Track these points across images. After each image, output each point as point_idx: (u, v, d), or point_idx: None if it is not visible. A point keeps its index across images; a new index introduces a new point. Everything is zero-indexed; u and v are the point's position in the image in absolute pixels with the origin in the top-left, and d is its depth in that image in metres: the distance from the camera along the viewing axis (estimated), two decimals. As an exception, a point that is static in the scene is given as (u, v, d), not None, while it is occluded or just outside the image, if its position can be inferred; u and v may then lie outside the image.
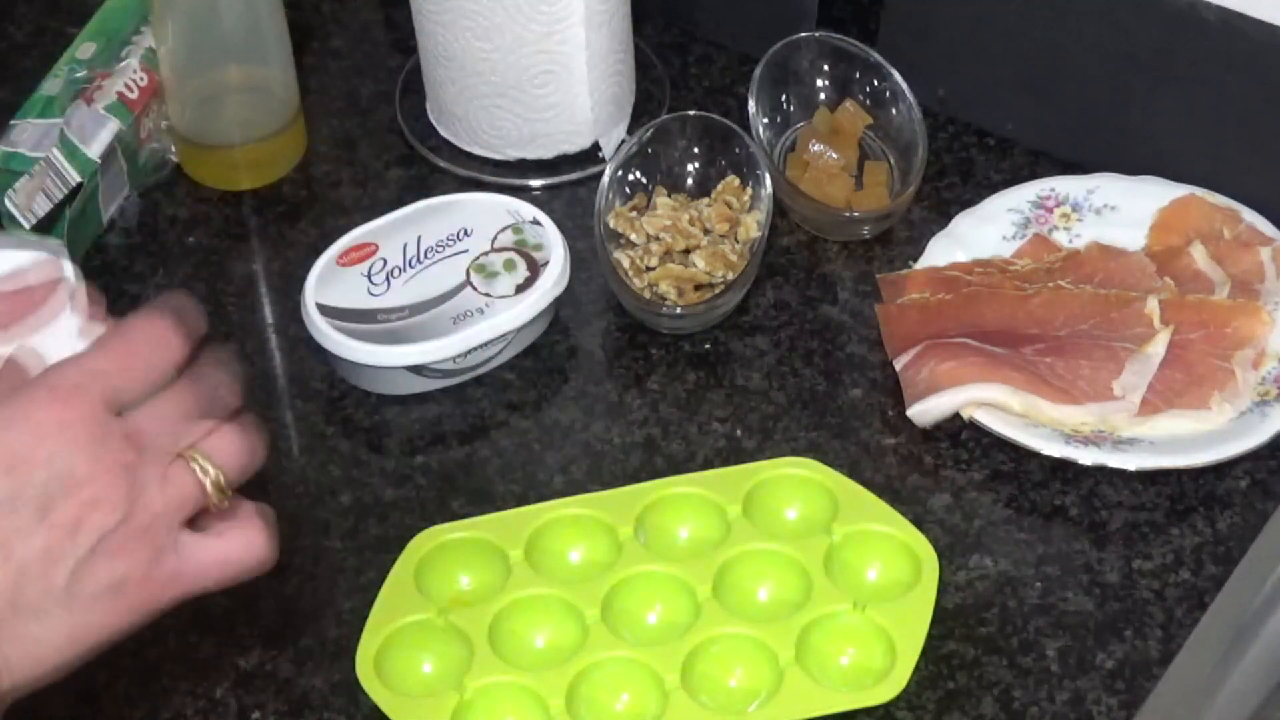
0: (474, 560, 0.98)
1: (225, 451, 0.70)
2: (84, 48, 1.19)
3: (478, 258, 1.08)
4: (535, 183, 1.20)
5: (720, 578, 0.96)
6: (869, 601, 0.94)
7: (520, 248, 1.09)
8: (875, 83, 1.18)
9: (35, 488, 0.66)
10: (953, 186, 1.19)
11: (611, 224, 1.11)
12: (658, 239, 1.10)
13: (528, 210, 1.11)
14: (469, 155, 1.21)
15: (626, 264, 1.10)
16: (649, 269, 1.10)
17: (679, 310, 1.09)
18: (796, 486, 1.01)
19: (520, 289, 1.07)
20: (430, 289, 1.07)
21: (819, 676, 0.92)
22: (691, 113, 1.15)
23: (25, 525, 0.65)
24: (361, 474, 1.04)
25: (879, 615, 0.94)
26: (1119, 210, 1.14)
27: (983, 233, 1.13)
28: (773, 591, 0.97)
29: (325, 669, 0.94)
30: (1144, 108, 1.15)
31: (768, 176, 1.11)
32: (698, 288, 1.10)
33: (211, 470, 0.69)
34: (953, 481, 1.03)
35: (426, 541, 0.98)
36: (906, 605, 0.94)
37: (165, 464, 0.68)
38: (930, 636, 0.95)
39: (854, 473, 1.02)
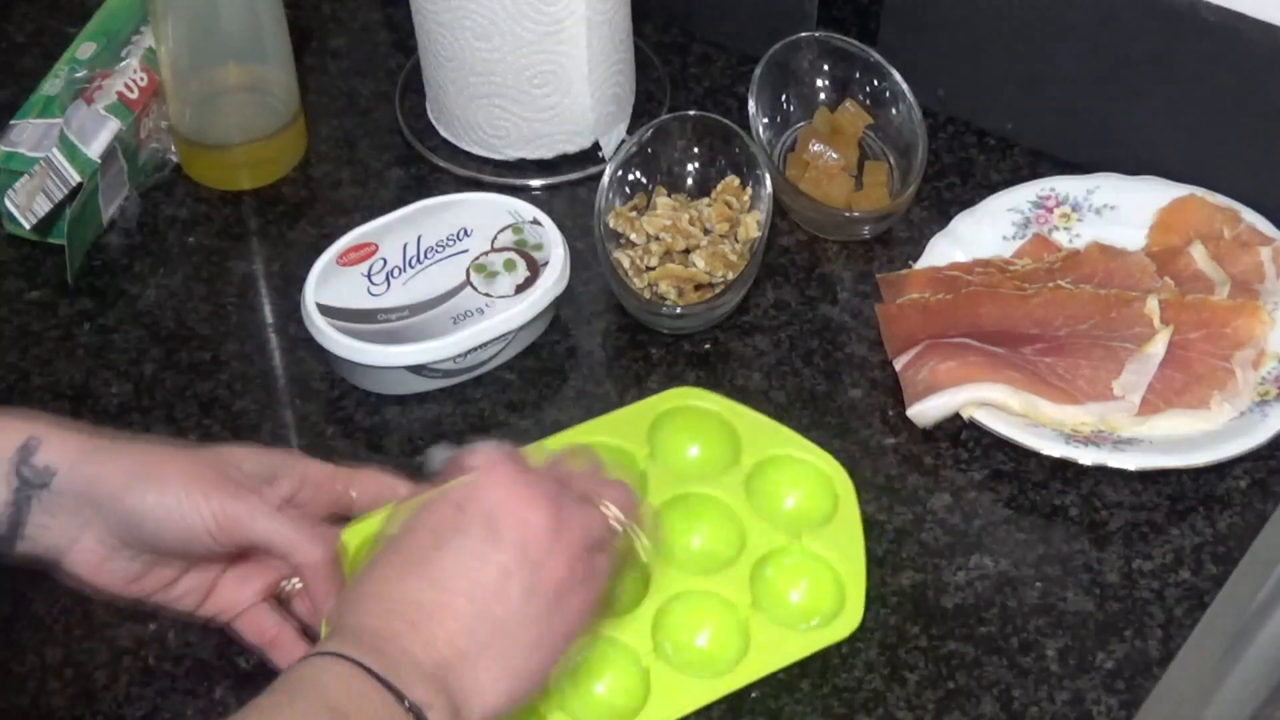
0: None
1: (620, 501, 0.87)
2: (84, 48, 1.19)
3: (478, 258, 1.08)
4: (535, 183, 1.20)
5: (656, 533, 0.95)
6: (801, 530, 0.96)
7: (520, 248, 1.09)
8: (875, 83, 1.18)
9: (481, 518, 0.81)
10: (953, 186, 1.19)
11: (611, 224, 1.11)
12: (658, 239, 1.11)
13: (528, 210, 1.11)
14: (469, 155, 1.21)
15: (626, 264, 1.10)
16: (649, 269, 1.10)
17: (679, 310, 1.09)
18: (694, 419, 1.01)
19: (520, 289, 1.07)
20: (430, 289, 1.07)
21: (779, 619, 0.93)
22: (691, 113, 1.15)
23: (479, 550, 0.80)
24: (361, 474, 1.04)
25: (816, 545, 0.95)
26: (1119, 210, 1.14)
27: (983, 233, 1.13)
28: (708, 537, 0.97)
29: (325, 669, 0.94)
30: (1144, 108, 1.15)
31: (768, 176, 1.11)
32: (698, 288, 1.10)
33: (615, 511, 0.86)
34: (953, 481, 1.03)
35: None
36: (838, 531, 0.96)
37: (581, 503, 0.85)
38: (930, 636, 0.95)
39: (854, 473, 1.02)
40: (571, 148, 1.20)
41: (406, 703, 0.75)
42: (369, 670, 0.76)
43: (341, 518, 0.92)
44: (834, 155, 1.16)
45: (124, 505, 0.84)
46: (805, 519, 0.98)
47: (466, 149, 1.21)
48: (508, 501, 0.82)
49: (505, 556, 0.80)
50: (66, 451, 0.85)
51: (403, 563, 0.81)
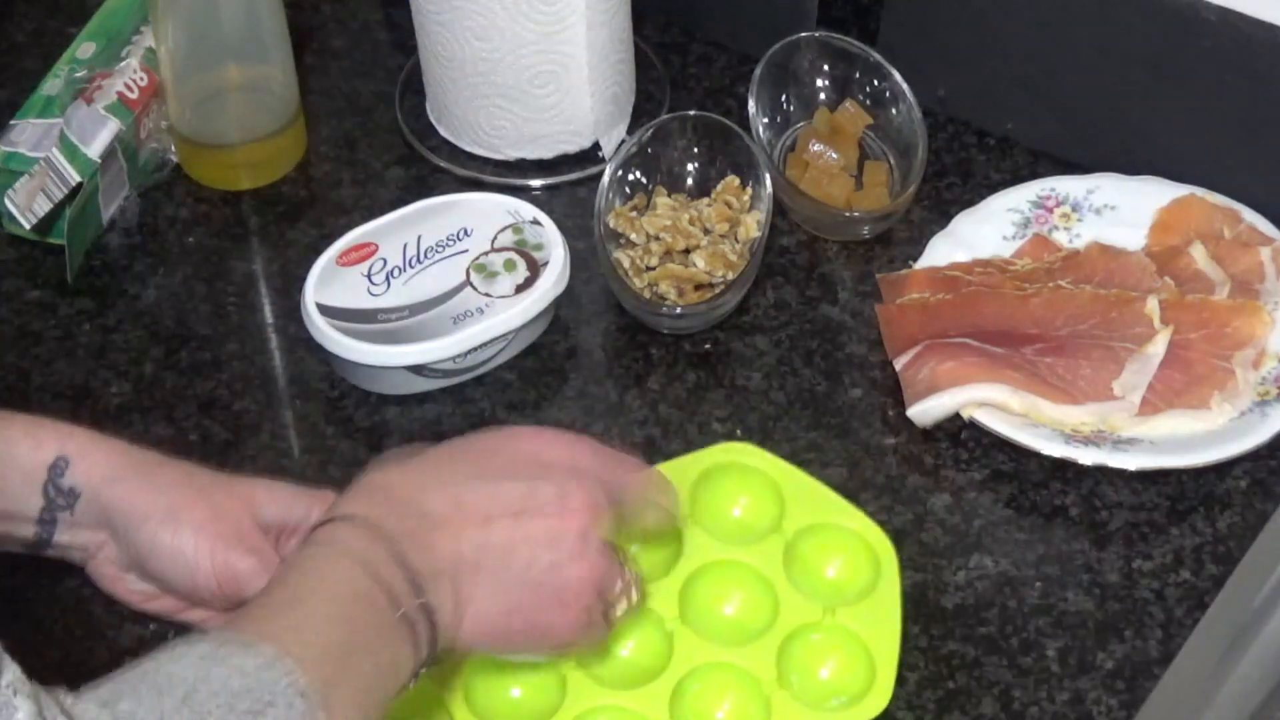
0: None
1: (638, 583, 0.88)
2: (84, 48, 1.19)
3: (478, 258, 1.08)
4: (535, 183, 1.20)
5: (684, 600, 0.94)
6: (837, 604, 0.93)
7: (520, 248, 1.09)
8: (875, 83, 1.18)
9: (533, 478, 0.82)
10: (953, 186, 1.19)
11: (611, 224, 1.11)
12: (658, 239, 1.11)
13: (528, 210, 1.11)
14: (469, 155, 1.21)
15: (626, 264, 1.10)
16: (649, 269, 1.10)
17: (679, 310, 1.09)
18: (739, 479, 0.99)
19: (520, 289, 1.07)
20: (430, 289, 1.07)
21: (804, 697, 0.91)
22: (691, 113, 1.15)
23: (509, 501, 0.81)
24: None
25: (850, 620, 0.93)
26: (1119, 210, 1.14)
27: (983, 233, 1.13)
28: (739, 607, 0.95)
29: (325, 669, 0.94)
30: (1144, 108, 1.15)
31: (768, 176, 1.11)
32: (698, 288, 1.10)
33: (633, 579, 0.87)
34: (953, 481, 1.03)
35: None
36: (875, 606, 0.93)
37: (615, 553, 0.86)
38: (930, 636, 0.95)
39: (854, 473, 1.02)
40: (571, 148, 1.20)
41: (421, 600, 0.76)
42: (392, 558, 0.76)
43: None
44: (834, 155, 1.16)
45: (136, 539, 0.85)
46: (843, 591, 0.95)
47: (466, 149, 1.21)
48: (568, 481, 0.82)
49: (533, 526, 0.81)
50: (92, 476, 0.85)
51: (435, 475, 0.82)
